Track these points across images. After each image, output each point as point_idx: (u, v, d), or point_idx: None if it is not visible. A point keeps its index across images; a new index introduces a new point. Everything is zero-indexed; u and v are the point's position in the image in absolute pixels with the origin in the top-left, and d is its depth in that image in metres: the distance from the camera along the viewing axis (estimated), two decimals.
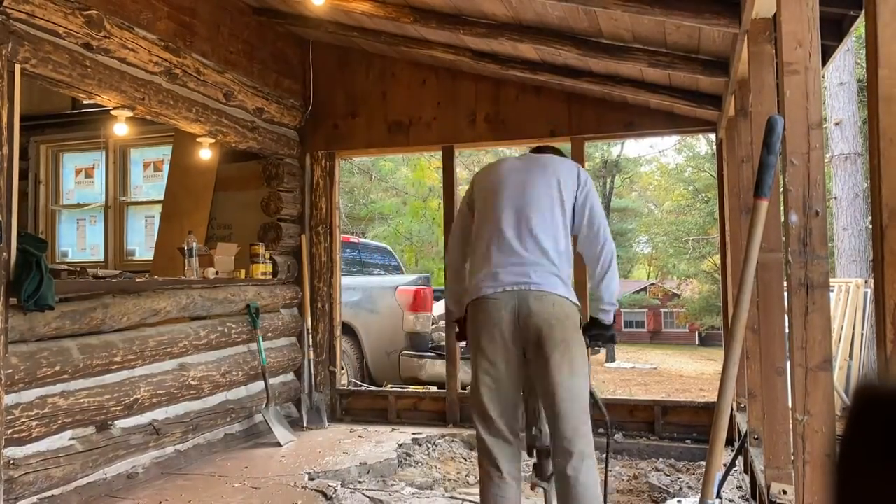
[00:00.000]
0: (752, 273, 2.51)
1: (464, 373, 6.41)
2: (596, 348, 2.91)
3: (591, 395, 2.76)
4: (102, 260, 6.80)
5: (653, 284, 33.83)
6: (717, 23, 3.51)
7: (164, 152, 6.68)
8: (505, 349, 2.68)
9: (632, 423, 5.36)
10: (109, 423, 3.96)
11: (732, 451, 4.17)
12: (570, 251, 2.81)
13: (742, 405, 4.51)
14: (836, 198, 10.75)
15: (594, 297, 2.86)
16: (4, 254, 3.28)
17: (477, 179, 3.02)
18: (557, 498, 2.66)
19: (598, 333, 2.85)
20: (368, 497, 3.90)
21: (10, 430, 3.28)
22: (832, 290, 7.06)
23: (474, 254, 2.86)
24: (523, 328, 2.65)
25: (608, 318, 2.84)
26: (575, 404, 2.61)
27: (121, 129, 4.79)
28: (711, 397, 6.56)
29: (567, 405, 2.60)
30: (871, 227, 1.95)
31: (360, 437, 5.34)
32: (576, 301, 2.73)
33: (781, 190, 2.72)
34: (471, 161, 25.56)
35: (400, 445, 5.03)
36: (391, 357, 7.01)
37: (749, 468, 3.82)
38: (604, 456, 2.89)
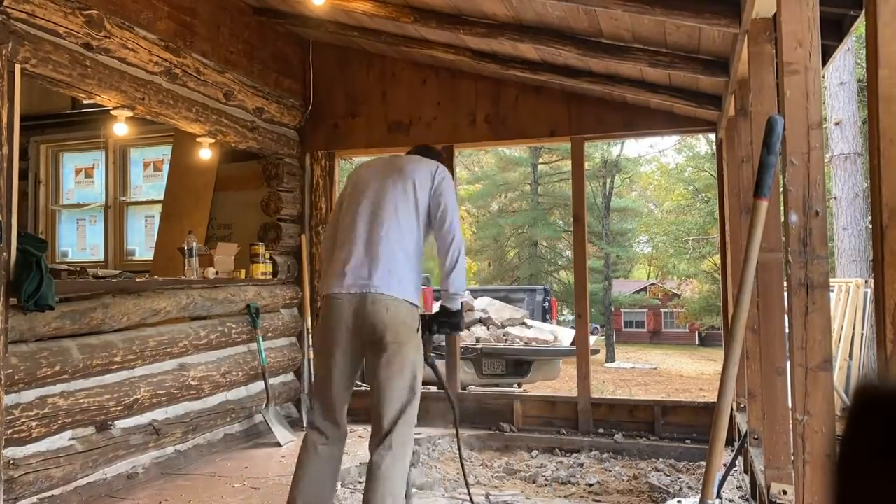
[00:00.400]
0: (752, 273, 2.52)
1: (464, 373, 6.42)
2: (444, 333, 3.11)
3: (438, 377, 3.25)
4: (102, 260, 6.80)
5: (653, 284, 33.82)
6: (717, 23, 3.51)
7: (163, 152, 6.68)
8: (343, 345, 2.92)
9: (632, 424, 5.36)
10: (109, 423, 3.95)
11: (732, 451, 4.17)
12: (420, 248, 3.01)
13: (742, 405, 4.51)
14: (835, 198, 10.75)
15: (442, 287, 3.01)
16: (4, 254, 3.27)
17: (349, 178, 3.24)
18: (366, 483, 2.86)
19: (444, 321, 3.03)
20: None
21: (10, 431, 3.28)
22: (832, 290, 7.06)
23: (330, 251, 3.10)
24: (361, 328, 2.88)
25: (454, 305, 3.00)
26: (396, 404, 2.84)
27: (121, 128, 4.79)
28: (711, 397, 6.56)
29: (390, 405, 2.84)
30: (871, 226, 1.95)
31: (359, 437, 5.34)
32: (416, 302, 2.93)
33: (781, 190, 2.72)
34: (471, 161, 25.57)
35: None
36: None
37: (749, 468, 3.82)
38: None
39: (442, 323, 3.03)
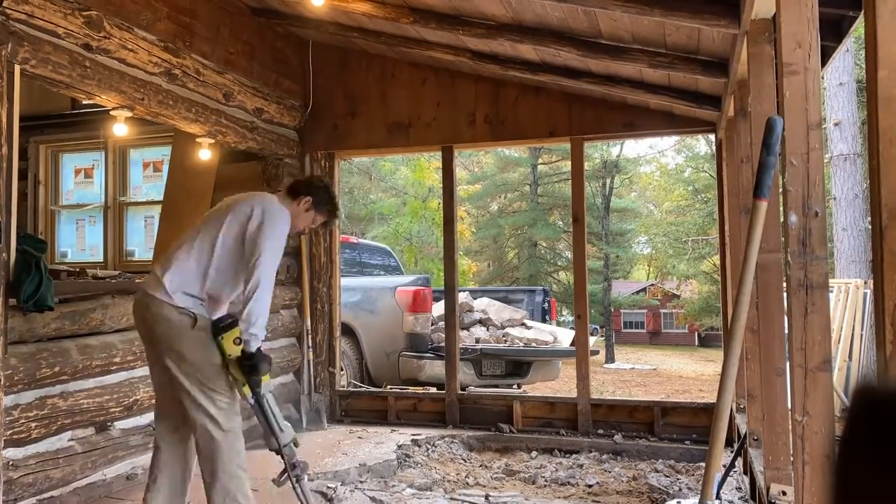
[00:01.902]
0: (752, 273, 2.52)
1: (463, 374, 6.42)
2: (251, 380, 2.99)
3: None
4: (102, 260, 6.80)
5: (652, 285, 33.84)
6: (716, 23, 3.51)
7: (163, 153, 6.67)
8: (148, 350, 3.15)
9: (631, 424, 5.36)
10: (109, 424, 3.95)
11: (732, 452, 4.17)
12: (212, 277, 3.03)
13: (741, 406, 4.51)
14: (835, 198, 10.76)
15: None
16: (4, 254, 3.27)
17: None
18: None
19: (243, 362, 2.96)
20: (369, 497, 3.89)
21: (10, 431, 3.27)
22: (831, 291, 7.06)
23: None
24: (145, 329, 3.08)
25: (248, 347, 2.92)
26: (187, 392, 2.95)
27: (120, 129, 4.79)
28: (711, 398, 6.56)
29: (181, 394, 2.97)
30: (870, 227, 1.95)
31: (359, 438, 5.34)
32: (181, 306, 2.96)
33: (781, 190, 2.72)
34: (471, 161, 25.58)
35: (399, 446, 5.02)
36: (390, 358, 7.01)
37: (748, 469, 3.81)
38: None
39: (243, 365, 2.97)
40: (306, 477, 3.15)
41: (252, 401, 3.04)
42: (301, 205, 3.29)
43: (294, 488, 3.08)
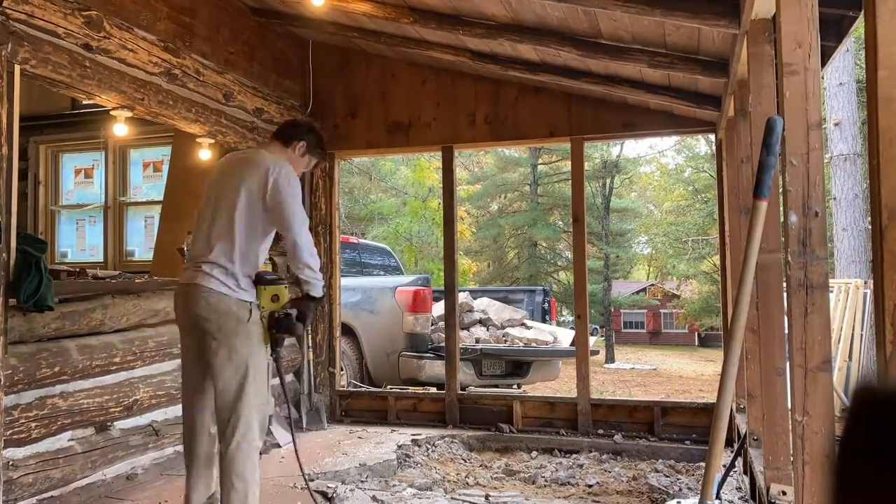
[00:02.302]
0: (752, 274, 2.52)
1: (463, 374, 6.41)
2: (294, 324, 3.06)
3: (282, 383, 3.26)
4: (102, 260, 6.80)
5: (652, 285, 33.84)
6: (716, 23, 3.51)
7: (163, 153, 6.68)
8: (187, 336, 3.12)
9: (631, 424, 5.36)
10: (109, 424, 3.95)
11: (732, 452, 4.17)
12: (256, 250, 3.10)
13: (741, 406, 4.51)
14: (835, 198, 10.75)
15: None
16: (4, 254, 3.27)
17: (208, 176, 3.36)
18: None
19: (299, 307, 3.07)
20: (369, 497, 3.89)
21: (10, 431, 3.27)
22: (831, 291, 7.07)
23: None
24: (192, 321, 3.02)
25: (312, 290, 3.06)
26: (229, 395, 2.94)
27: (120, 129, 4.79)
28: (711, 398, 6.56)
29: (223, 396, 2.95)
30: (870, 227, 1.95)
31: (359, 438, 5.34)
32: (244, 298, 2.99)
33: (781, 190, 2.72)
34: (471, 161, 25.58)
35: (399, 446, 5.02)
36: (390, 358, 7.01)
37: (748, 469, 3.82)
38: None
39: (298, 309, 3.06)
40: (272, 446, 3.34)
41: (272, 356, 3.13)
42: (296, 151, 3.34)
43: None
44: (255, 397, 2.99)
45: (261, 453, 3.22)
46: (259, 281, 3.07)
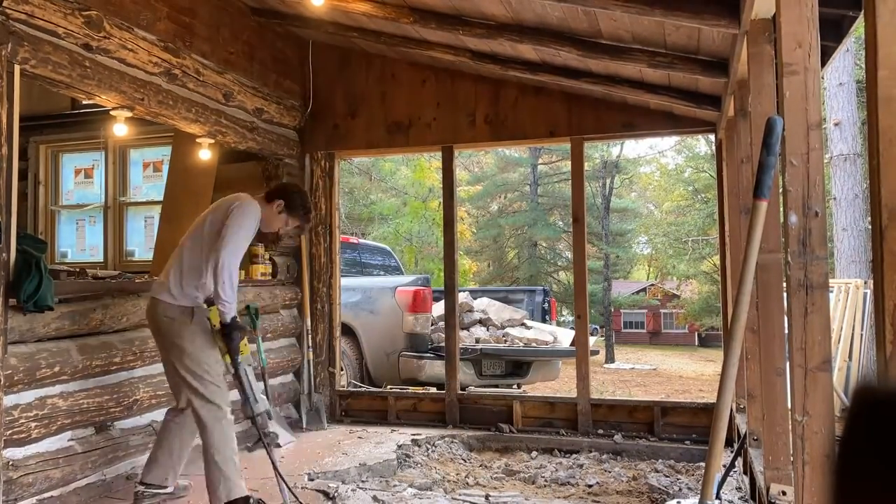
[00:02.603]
0: (752, 274, 2.52)
1: (463, 374, 6.41)
2: (233, 332, 3.46)
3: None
4: (102, 261, 6.80)
5: (652, 285, 33.84)
6: (716, 23, 3.51)
7: (163, 153, 6.67)
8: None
9: (631, 424, 5.36)
10: (109, 424, 3.95)
11: (732, 452, 4.17)
12: (201, 268, 3.55)
13: (741, 406, 4.51)
14: (835, 198, 10.75)
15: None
16: (4, 254, 3.27)
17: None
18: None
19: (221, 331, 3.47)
20: (370, 497, 3.89)
21: (10, 431, 3.27)
22: (831, 291, 7.07)
23: None
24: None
25: (223, 317, 3.43)
26: (188, 382, 3.50)
27: (120, 129, 4.79)
28: (711, 398, 6.56)
29: (183, 383, 3.52)
30: (870, 227, 1.95)
31: (359, 438, 5.34)
32: (184, 304, 3.51)
33: (781, 190, 2.72)
34: (470, 161, 25.58)
35: (399, 446, 5.02)
36: (390, 358, 7.01)
37: (748, 469, 3.82)
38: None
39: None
40: (274, 445, 3.63)
41: (231, 369, 3.50)
42: (274, 207, 3.75)
43: (268, 453, 3.54)
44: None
45: (277, 445, 3.59)
46: (207, 302, 3.53)
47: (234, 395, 3.68)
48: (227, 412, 3.53)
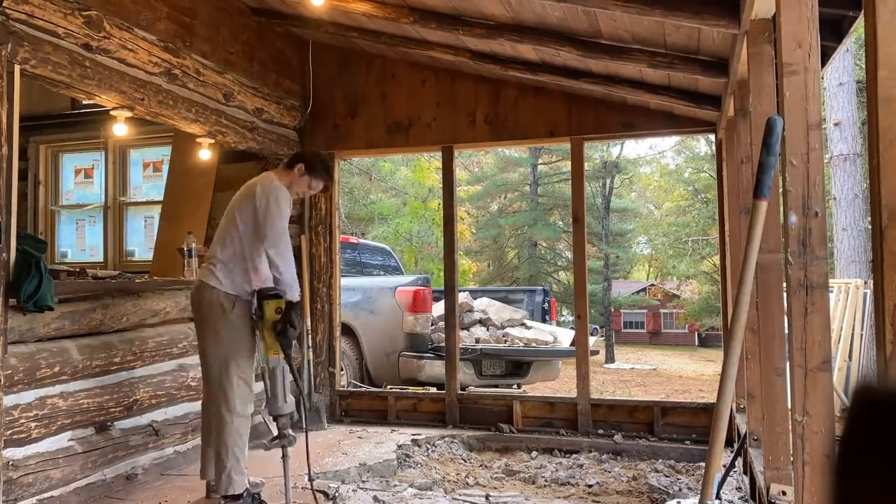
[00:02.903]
0: (752, 274, 2.52)
1: (463, 374, 6.41)
2: (288, 329, 3.46)
3: (293, 374, 3.53)
4: (102, 261, 6.80)
5: (652, 285, 33.85)
6: (716, 23, 3.51)
7: (163, 153, 6.68)
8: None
9: (631, 424, 5.36)
10: (109, 424, 3.95)
11: (732, 452, 4.17)
12: (245, 255, 3.63)
13: (741, 406, 4.51)
14: (835, 198, 10.75)
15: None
16: (4, 254, 3.27)
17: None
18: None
19: (285, 313, 3.48)
20: (370, 497, 3.89)
21: (10, 431, 3.27)
22: (831, 291, 7.07)
23: None
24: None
25: (293, 297, 3.51)
26: (213, 371, 3.58)
27: (120, 129, 4.79)
28: (711, 398, 6.56)
29: (210, 371, 3.59)
30: (870, 227, 1.95)
31: (359, 437, 5.34)
32: (231, 291, 3.57)
33: (781, 191, 2.72)
34: (470, 161, 25.58)
35: (399, 446, 5.02)
36: (390, 358, 7.01)
37: (748, 469, 3.82)
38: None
39: (283, 317, 3.47)
40: (291, 449, 3.57)
41: (279, 363, 3.47)
42: (296, 171, 3.84)
43: (283, 455, 3.50)
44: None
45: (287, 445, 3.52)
46: (261, 298, 3.49)
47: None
48: (246, 410, 3.60)
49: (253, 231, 3.62)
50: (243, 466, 3.59)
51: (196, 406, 4.64)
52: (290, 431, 3.51)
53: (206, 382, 3.68)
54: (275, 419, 3.55)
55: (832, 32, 3.53)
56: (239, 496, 3.57)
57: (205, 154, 5.56)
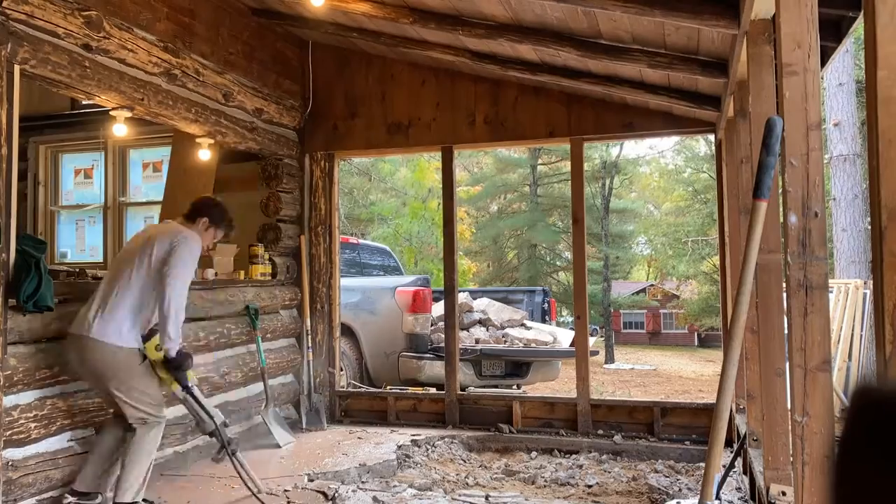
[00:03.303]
0: (752, 274, 2.52)
1: (463, 374, 6.41)
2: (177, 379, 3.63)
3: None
4: (101, 261, 6.80)
5: (652, 286, 33.84)
6: (716, 24, 3.51)
7: (163, 153, 6.68)
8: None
9: (631, 425, 5.36)
10: None
11: (732, 452, 4.17)
12: (139, 303, 3.53)
13: (741, 406, 4.51)
14: (834, 199, 10.75)
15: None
16: (3, 255, 3.27)
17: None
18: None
19: (167, 365, 3.57)
20: (370, 497, 3.89)
21: (9, 432, 3.27)
22: (831, 291, 7.07)
23: None
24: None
25: (168, 353, 3.50)
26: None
27: (120, 129, 4.79)
28: (710, 398, 6.56)
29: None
30: (870, 228, 1.95)
31: (359, 438, 5.34)
32: (132, 345, 3.50)
33: (780, 191, 2.72)
34: (470, 162, 25.57)
35: (399, 447, 5.02)
36: (390, 358, 7.01)
37: (748, 469, 3.82)
38: None
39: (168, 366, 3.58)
40: (239, 449, 3.82)
41: (182, 394, 3.64)
42: (200, 225, 3.80)
43: (232, 461, 3.74)
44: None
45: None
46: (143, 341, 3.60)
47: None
48: (158, 423, 3.57)
49: (155, 280, 3.53)
50: (145, 480, 3.58)
51: None
52: (229, 436, 3.77)
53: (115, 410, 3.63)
54: (211, 436, 3.77)
55: (832, 33, 3.53)
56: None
57: (204, 154, 5.56)
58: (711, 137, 7.45)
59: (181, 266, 3.53)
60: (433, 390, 6.33)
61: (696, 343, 32.15)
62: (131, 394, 3.47)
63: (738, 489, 4.03)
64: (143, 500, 3.60)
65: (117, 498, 3.47)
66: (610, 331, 22.71)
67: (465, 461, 5.12)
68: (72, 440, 3.68)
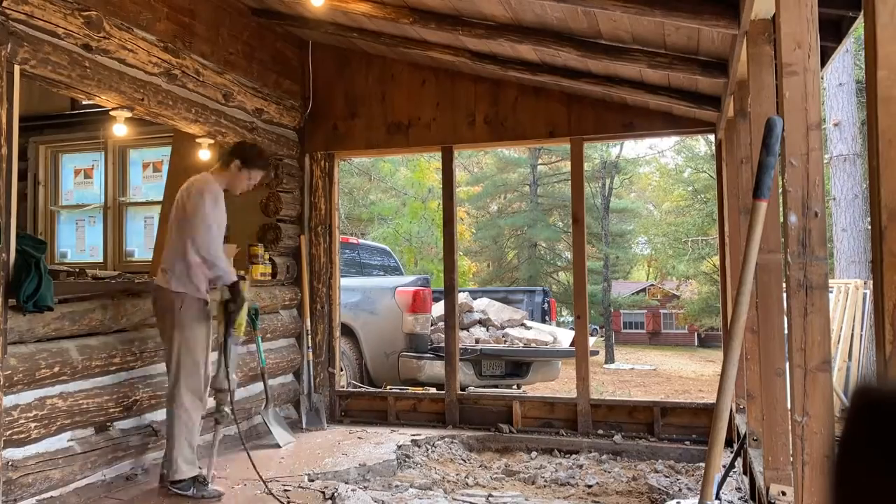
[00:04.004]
0: (752, 274, 2.52)
1: (463, 374, 6.41)
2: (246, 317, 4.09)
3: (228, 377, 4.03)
4: (101, 261, 6.80)
5: (652, 285, 33.85)
6: (716, 24, 3.51)
7: (163, 153, 6.68)
8: None
9: (631, 425, 5.36)
10: (108, 424, 3.95)
11: (732, 452, 4.17)
12: (184, 254, 3.81)
13: (741, 406, 4.51)
14: (834, 199, 10.75)
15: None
16: (3, 255, 3.27)
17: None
18: None
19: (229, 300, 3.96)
20: (370, 497, 3.89)
21: (9, 432, 3.27)
22: (831, 291, 7.07)
23: None
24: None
25: (225, 281, 3.88)
26: (171, 364, 3.86)
27: (120, 129, 4.79)
28: (710, 398, 6.56)
29: (168, 364, 3.89)
30: (869, 228, 1.95)
31: (359, 438, 5.34)
32: (177, 290, 3.80)
33: (780, 191, 2.72)
34: (470, 162, 25.58)
35: (399, 447, 5.02)
36: (390, 358, 7.01)
37: (748, 469, 3.82)
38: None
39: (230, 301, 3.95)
40: (222, 425, 4.13)
41: (222, 338, 3.95)
42: (232, 168, 3.92)
43: (214, 430, 4.09)
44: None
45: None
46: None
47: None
48: (197, 404, 3.86)
49: (187, 230, 3.80)
50: (194, 455, 3.86)
51: None
52: (227, 409, 4.04)
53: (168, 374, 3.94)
54: (215, 392, 4.05)
55: (832, 33, 3.53)
56: (182, 481, 3.79)
57: (204, 154, 5.56)
58: (711, 137, 7.45)
59: (198, 218, 3.75)
60: (433, 390, 6.33)
61: (696, 343, 32.17)
62: (174, 345, 3.79)
63: (738, 489, 4.03)
64: (195, 478, 3.82)
65: (168, 477, 3.80)
66: (610, 331, 22.72)
67: (465, 461, 5.12)
68: (72, 440, 3.68)
